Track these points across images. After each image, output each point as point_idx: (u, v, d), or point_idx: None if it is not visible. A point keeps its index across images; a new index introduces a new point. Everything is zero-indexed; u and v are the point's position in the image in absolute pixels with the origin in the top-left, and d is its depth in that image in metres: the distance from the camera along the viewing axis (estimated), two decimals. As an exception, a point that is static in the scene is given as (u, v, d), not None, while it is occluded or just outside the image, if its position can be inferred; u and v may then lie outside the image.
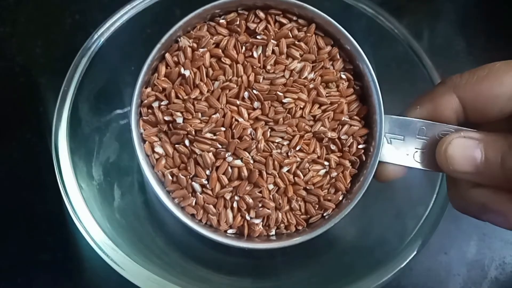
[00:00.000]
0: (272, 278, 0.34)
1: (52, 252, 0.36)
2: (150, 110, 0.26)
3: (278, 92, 0.25)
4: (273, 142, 0.26)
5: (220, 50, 0.26)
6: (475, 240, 0.39)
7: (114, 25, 0.31)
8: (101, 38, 0.30)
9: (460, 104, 0.24)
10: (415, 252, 0.29)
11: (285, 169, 0.26)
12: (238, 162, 0.26)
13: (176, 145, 0.26)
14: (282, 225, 0.27)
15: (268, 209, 0.26)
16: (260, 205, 0.26)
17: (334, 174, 0.27)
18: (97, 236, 0.27)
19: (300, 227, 0.27)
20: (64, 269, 0.36)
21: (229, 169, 0.26)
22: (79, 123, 0.30)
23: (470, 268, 0.38)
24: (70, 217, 0.28)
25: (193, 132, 0.25)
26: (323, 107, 0.26)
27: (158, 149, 0.26)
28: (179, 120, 0.25)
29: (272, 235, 0.27)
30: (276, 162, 0.26)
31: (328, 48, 0.26)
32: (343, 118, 0.26)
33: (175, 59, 0.26)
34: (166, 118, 0.25)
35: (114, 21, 0.31)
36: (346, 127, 0.26)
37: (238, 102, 0.25)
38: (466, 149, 0.23)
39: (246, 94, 0.26)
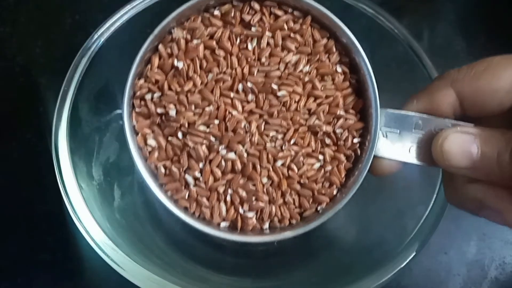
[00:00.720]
0: (271, 278, 0.34)
1: (52, 252, 0.36)
2: (143, 102, 0.26)
3: (273, 85, 0.25)
4: (267, 135, 0.26)
5: (214, 42, 0.25)
6: (475, 240, 0.39)
7: (114, 25, 0.31)
8: (101, 38, 0.30)
9: (457, 99, 0.24)
10: (415, 252, 0.29)
11: (279, 163, 0.26)
12: (231, 155, 0.25)
13: (169, 138, 0.25)
14: (275, 218, 0.27)
15: (262, 202, 0.26)
16: (253, 198, 0.26)
17: (328, 168, 0.26)
18: (97, 236, 0.27)
19: (293, 221, 0.27)
20: (64, 269, 0.36)
21: (223, 162, 0.25)
22: (79, 123, 0.30)
23: (470, 268, 0.38)
24: (70, 217, 0.28)
25: (186, 125, 0.25)
26: (318, 101, 0.26)
27: (151, 142, 0.26)
28: (172, 112, 0.25)
29: (266, 228, 0.27)
30: (270, 156, 0.26)
31: (324, 40, 0.26)
32: (338, 112, 0.26)
33: (169, 50, 0.25)
34: (159, 110, 0.25)
35: (114, 21, 0.31)
36: (341, 120, 0.26)
37: (232, 95, 0.25)
38: (462, 144, 0.22)
39: (240, 86, 0.25)
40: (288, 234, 0.26)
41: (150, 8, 0.31)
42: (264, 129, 0.26)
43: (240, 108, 0.25)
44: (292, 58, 0.26)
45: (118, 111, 0.34)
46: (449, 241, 0.39)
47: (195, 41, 0.25)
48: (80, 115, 0.30)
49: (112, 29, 0.31)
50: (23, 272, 0.36)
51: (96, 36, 0.30)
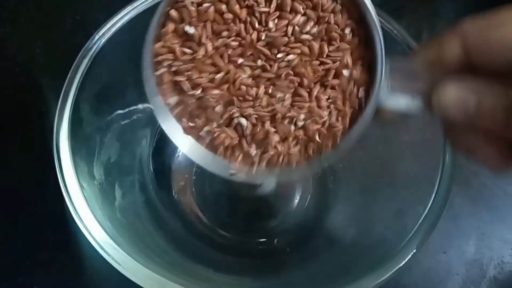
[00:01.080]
0: (272, 277, 0.35)
1: (53, 251, 0.36)
2: (159, 68, 0.26)
3: (281, 48, 0.26)
4: (275, 97, 0.26)
5: (224, 6, 0.25)
6: (474, 240, 0.39)
7: (115, 26, 0.31)
8: (102, 38, 0.30)
9: (465, 51, 0.23)
10: (414, 251, 0.29)
11: (286, 121, 0.27)
12: (242, 119, 0.26)
13: (186, 101, 0.26)
14: (283, 166, 0.28)
15: (271, 154, 0.27)
16: (264, 151, 0.27)
17: (333, 118, 0.27)
18: (98, 235, 0.27)
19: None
20: (65, 268, 0.36)
21: (234, 125, 0.27)
22: (80, 124, 0.30)
23: (469, 267, 0.39)
24: (71, 217, 0.28)
25: (200, 91, 0.26)
26: (326, 65, 0.26)
27: (170, 100, 0.27)
28: (186, 78, 0.26)
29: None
30: (279, 115, 0.26)
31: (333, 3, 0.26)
32: (345, 71, 0.26)
33: (180, 15, 0.26)
34: (174, 76, 0.26)
35: (115, 22, 0.31)
36: (347, 74, 0.27)
37: (240, 61, 0.26)
38: (460, 96, 0.23)
39: (248, 52, 0.26)
40: (295, 174, 0.28)
41: (151, 8, 0.31)
42: (272, 91, 0.26)
43: (249, 72, 0.26)
44: (300, 20, 0.26)
45: (119, 112, 0.34)
46: (448, 240, 0.39)
47: (205, 5, 0.25)
48: (81, 116, 0.30)
49: (113, 29, 0.31)
50: (24, 271, 0.36)
51: (97, 37, 0.30)
